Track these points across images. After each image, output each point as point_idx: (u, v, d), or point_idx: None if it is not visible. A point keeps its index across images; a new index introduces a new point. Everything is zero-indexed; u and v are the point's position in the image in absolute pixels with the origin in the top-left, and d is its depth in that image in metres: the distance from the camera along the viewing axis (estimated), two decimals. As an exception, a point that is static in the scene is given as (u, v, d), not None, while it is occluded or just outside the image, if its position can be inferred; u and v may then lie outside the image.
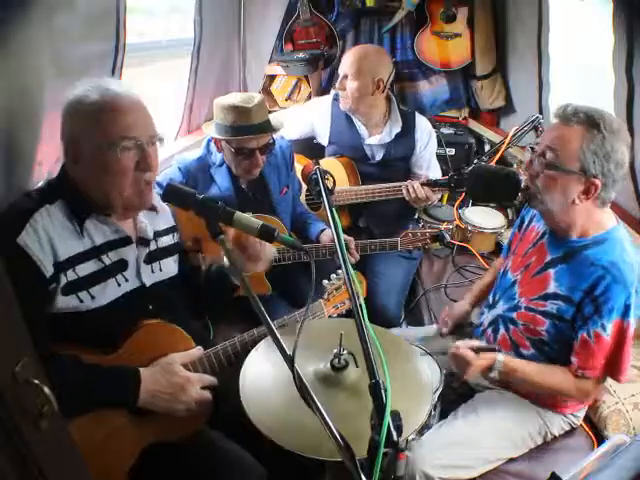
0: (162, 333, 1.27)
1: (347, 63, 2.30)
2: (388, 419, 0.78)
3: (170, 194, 1.14)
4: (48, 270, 1.12)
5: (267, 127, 1.86)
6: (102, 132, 1.14)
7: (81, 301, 1.17)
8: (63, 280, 1.15)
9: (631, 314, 1.30)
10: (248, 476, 1.32)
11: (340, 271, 1.57)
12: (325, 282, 1.60)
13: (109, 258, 1.23)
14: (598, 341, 1.32)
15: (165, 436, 1.25)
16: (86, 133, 1.15)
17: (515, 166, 2.50)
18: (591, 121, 1.25)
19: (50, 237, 1.13)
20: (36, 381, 0.64)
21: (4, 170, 1.25)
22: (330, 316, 1.55)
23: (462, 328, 1.80)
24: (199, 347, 1.31)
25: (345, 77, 2.30)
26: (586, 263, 1.33)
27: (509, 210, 2.78)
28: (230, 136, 1.84)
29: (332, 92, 2.97)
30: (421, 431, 1.42)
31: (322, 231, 2.11)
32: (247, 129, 1.83)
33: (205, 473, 1.29)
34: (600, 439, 1.56)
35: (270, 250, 1.39)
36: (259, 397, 1.14)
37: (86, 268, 1.19)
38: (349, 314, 0.95)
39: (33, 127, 1.13)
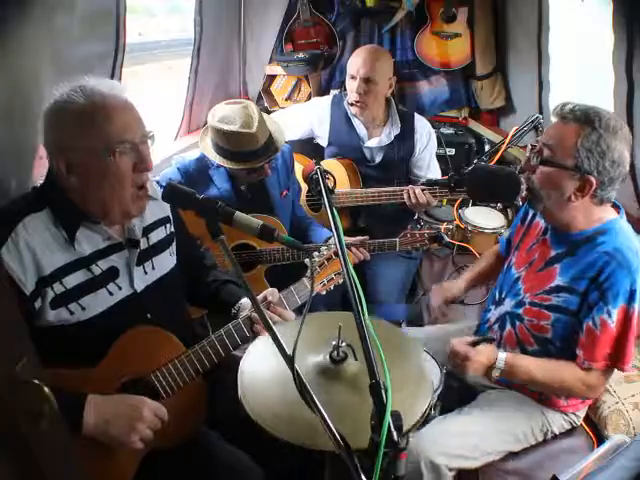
0: (146, 339, 1.23)
1: (361, 66, 2.22)
2: (388, 419, 0.78)
3: (169, 194, 1.12)
4: (28, 288, 1.07)
5: (271, 145, 1.85)
6: (96, 138, 1.09)
7: (71, 313, 1.13)
8: (50, 294, 1.10)
9: (636, 299, 1.30)
10: (247, 478, 1.31)
11: (322, 249, 1.58)
12: (307, 261, 1.59)
13: (99, 267, 1.18)
14: (604, 329, 1.31)
15: (163, 442, 1.21)
16: (77, 140, 1.09)
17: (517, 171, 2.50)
18: (587, 119, 1.26)
19: (33, 251, 1.08)
20: (36, 381, 0.64)
21: (6, 166, 1.25)
22: (318, 293, 1.53)
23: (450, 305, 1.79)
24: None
25: (359, 80, 2.22)
26: (589, 252, 1.34)
27: (509, 210, 2.78)
28: (234, 163, 1.82)
29: (332, 93, 2.97)
30: (420, 428, 1.42)
31: (329, 238, 2.06)
32: (253, 155, 1.80)
33: (203, 475, 1.28)
34: (600, 439, 1.56)
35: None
36: (256, 389, 1.13)
37: (74, 279, 1.14)
38: (350, 308, 0.93)
39: (33, 125, 1.13)
